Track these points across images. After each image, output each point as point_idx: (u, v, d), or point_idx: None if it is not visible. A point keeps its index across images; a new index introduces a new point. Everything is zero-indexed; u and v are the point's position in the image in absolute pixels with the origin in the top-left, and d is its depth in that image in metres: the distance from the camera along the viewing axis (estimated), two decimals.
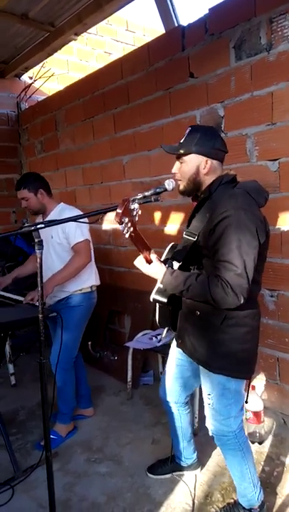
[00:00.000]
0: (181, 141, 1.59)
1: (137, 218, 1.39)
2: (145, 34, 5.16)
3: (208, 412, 1.71)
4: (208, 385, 1.66)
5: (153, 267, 1.55)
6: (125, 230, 1.35)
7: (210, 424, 1.72)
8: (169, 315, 1.75)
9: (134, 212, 1.37)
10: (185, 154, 1.58)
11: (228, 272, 1.38)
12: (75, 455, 2.32)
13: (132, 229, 1.37)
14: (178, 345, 1.79)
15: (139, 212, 1.39)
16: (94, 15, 3.14)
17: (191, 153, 1.56)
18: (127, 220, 1.34)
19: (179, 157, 1.61)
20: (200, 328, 1.62)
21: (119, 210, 1.32)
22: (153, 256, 1.56)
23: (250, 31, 2.24)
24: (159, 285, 1.61)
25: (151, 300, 1.65)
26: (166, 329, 1.90)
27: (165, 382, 1.91)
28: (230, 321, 1.53)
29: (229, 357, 1.57)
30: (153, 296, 1.63)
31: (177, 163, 1.62)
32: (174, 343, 1.83)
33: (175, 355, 1.85)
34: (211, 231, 1.46)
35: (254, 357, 1.66)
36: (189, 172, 1.58)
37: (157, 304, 1.75)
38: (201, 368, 1.67)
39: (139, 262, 1.58)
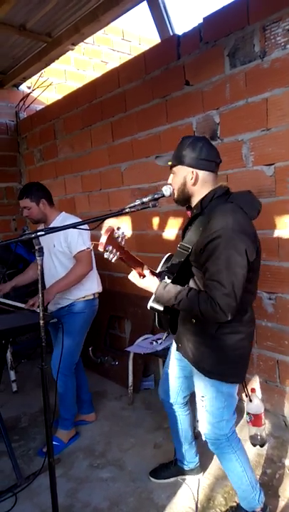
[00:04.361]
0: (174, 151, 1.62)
1: (123, 242, 1.45)
2: (141, 43, 5.22)
3: (201, 414, 1.73)
4: (202, 388, 1.68)
5: (146, 281, 1.60)
6: (110, 257, 1.41)
7: (203, 427, 1.74)
8: (167, 319, 1.78)
9: (120, 239, 1.43)
10: (174, 165, 1.61)
11: (217, 292, 1.42)
12: (77, 461, 2.32)
13: (118, 253, 1.43)
14: (177, 349, 1.82)
15: (126, 236, 1.46)
16: (90, 25, 3.19)
17: (178, 165, 1.59)
18: (111, 247, 1.40)
19: (171, 168, 1.64)
20: (196, 335, 1.65)
21: (102, 240, 1.38)
22: (146, 271, 1.61)
23: (244, 39, 2.29)
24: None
25: (149, 308, 1.68)
26: (166, 333, 1.93)
27: (164, 383, 1.94)
28: (225, 329, 1.56)
29: (224, 363, 1.60)
30: (150, 304, 1.67)
31: (171, 174, 1.65)
32: (174, 345, 1.86)
33: (174, 356, 1.88)
34: (202, 250, 1.49)
35: (247, 361, 1.69)
36: (178, 183, 1.60)
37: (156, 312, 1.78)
38: (194, 370, 1.69)
39: (133, 277, 1.63)
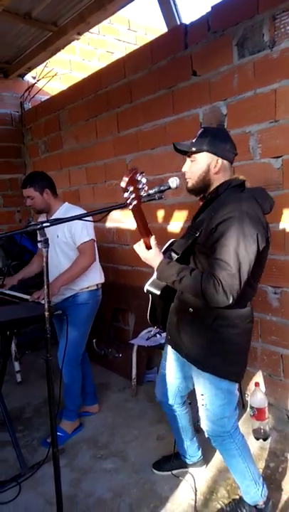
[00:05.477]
0: (194, 140, 1.60)
1: (143, 192, 1.40)
2: (147, 33, 5.16)
3: (202, 412, 1.72)
4: (201, 386, 1.67)
5: (151, 253, 1.58)
6: (129, 200, 1.37)
7: (205, 424, 1.73)
8: (160, 312, 1.77)
9: (140, 185, 1.38)
10: (197, 152, 1.58)
11: (222, 271, 1.39)
12: (81, 451, 2.34)
13: (135, 201, 1.38)
14: (167, 342, 1.80)
15: (146, 188, 1.41)
16: (96, 14, 3.14)
17: (202, 152, 1.57)
18: (132, 188, 1.35)
19: (190, 155, 1.62)
20: (192, 325, 1.63)
21: (126, 178, 1.34)
22: (153, 242, 1.58)
23: (253, 28, 2.24)
24: (154, 277, 1.64)
25: (145, 291, 1.66)
26: (155, 327, 1.89)
27: (161, 385, 1.92)
28: (222, 321, 1.54)
29: (219, 356, 1.58)
30: (147, 287, 1.65)
31: (188, 162, 1.63)
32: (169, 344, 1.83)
33: (171, 357, 1.84)
34: (213, 230, 1.47)
35: (244, 360, 1.66)
36: (200, 170, 1.59)
37: (150, 301, 1.76)
38: (193, 368, 1.67)
39: (139, 247, 1.61)
